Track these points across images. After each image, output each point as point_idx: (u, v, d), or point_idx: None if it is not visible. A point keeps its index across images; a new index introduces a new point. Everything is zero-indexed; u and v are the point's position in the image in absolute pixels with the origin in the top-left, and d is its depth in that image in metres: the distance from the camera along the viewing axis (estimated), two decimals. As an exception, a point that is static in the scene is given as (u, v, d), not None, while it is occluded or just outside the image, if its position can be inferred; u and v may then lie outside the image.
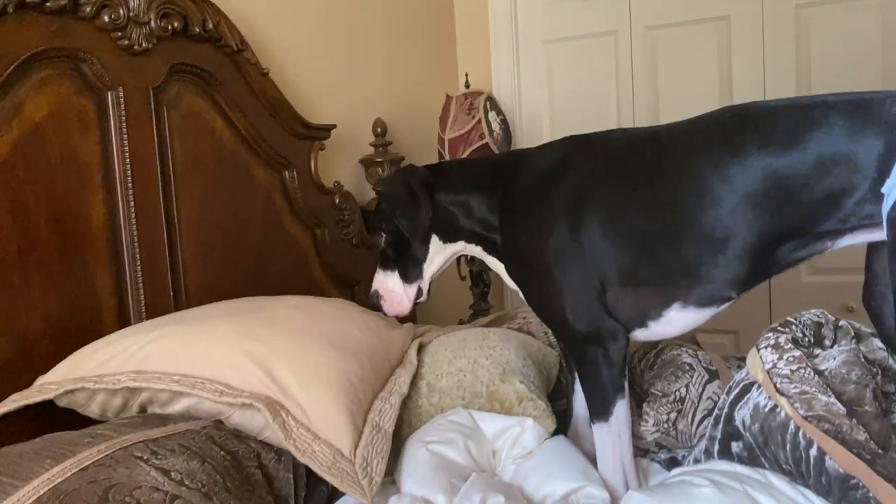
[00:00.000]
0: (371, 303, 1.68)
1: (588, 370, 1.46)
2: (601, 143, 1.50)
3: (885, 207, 1.20)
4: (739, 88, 2.80)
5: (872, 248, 1.38)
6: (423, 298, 1.68)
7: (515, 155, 1.72)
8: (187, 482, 1.08)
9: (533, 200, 1.51)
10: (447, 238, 1.64)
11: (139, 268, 1.71)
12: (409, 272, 1.65)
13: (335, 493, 1.37)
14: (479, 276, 2.83)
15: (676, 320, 1.44)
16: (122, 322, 1.67)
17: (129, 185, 1.70)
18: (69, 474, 1.00)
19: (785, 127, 1.28)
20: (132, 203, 1.70)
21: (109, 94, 1.66)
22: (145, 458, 1.09)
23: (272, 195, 2.12)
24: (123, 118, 1.69)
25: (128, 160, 1.69)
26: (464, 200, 1.60)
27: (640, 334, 1.48)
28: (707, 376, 1.61)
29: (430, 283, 1.69)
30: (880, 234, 1.26)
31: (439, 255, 1.66)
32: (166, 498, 1.02)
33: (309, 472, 1.33)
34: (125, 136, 1.69)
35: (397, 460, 1.47)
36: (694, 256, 1.35)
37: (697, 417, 1.56)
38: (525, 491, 1.39)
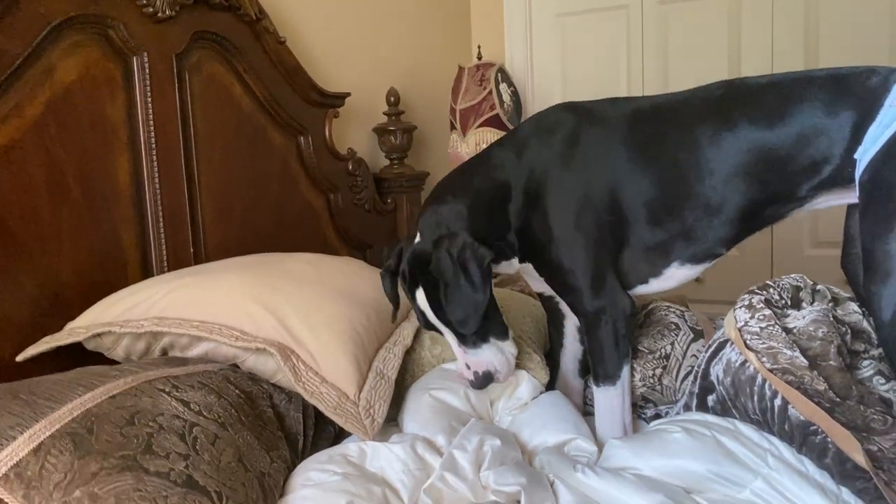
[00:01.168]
0: (481, 386, 1.51)
1: (600, 338, 1.54)
2: (607, 112, 1.56)
3: (858, 172, 1.31)
4: (748, 61, 2.85)
5: (849, 212, 1.48)
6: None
7: (513, 145, 1.59)
8: (205, 413, 1.19)
9: (549, 177, 1.52)
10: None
11: (162, 224, 1.82)
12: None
13: (342, 433, 1.47)
14: (487, 243, 2.91)
15: (675, 276, 1.55)
16: (146, 274, 1.78)
17: (153, 146, 1.80)
18: (99, 400, 1.12)
19: (771, 102, 1.40)
20: (156, 163, 1.81)
21: (135, 59, 1.76)
22: (167, 390, 1.20)
23: (288, 159, 2.21)
24: (148, 83, 1.78)
25: (152, 123, 1.79)
26: (491, 230, 1.51)
27: (640, 289, 1.58)
28: (692, 335, 1.70)
29: None
30: (853, 197, 1.37)
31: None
32: (186, 425, 1.13)
33: (317, 413, 1.44)
34: (149, 99, 1.79)
35: (400, 407, 1.57)
36: (693, 221, 1.47)
37: (681, 374, 1.65)
38: (520, 439, 1.49)
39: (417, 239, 1.50)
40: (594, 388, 1.58)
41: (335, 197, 2.35)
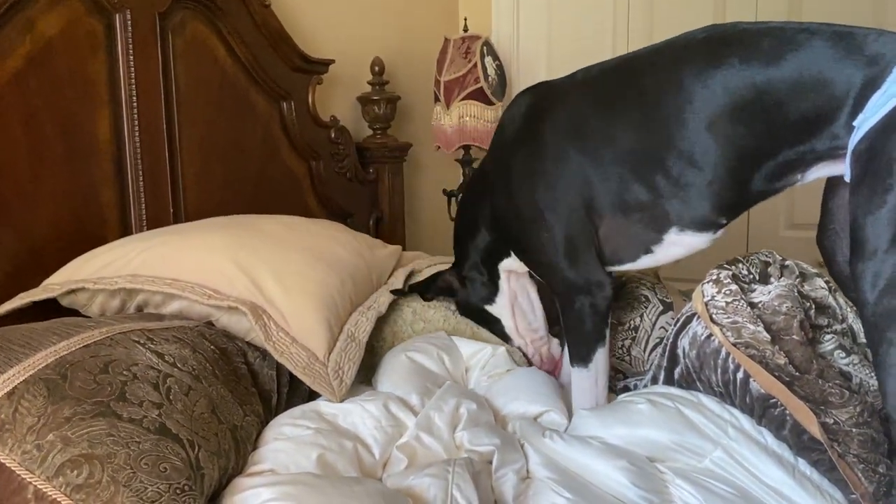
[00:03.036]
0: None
1: (573, 318, 1.53)
2: (567, 81, 1.55)
3: (853, 140, 1.24)
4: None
5: (829, 186, 1.44)
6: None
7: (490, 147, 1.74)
8: (179, 365, 1.21)
9: (511, 158, 1.55)
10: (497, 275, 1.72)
11: (142, 183, 1.82)
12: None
13: (316, 391, 1.50)
14: (468, 217, 2.93)
15: (679, 241, 1.47)
16: (124, 232, 1.79)
17: (134, 104, 1.80)
18: (74, 348, 1.13)
19: (768, 45, 1.29)
20: (136, 122, 1.81)
21: (117, 16, 1.76)
22: (142, 342, 1.22)
23: (270, 125, 2.22)
24: (130, 40, 1.78)
25: (133, 81, 1.79)
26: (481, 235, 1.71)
27: (646, 260, 1.53)
28: (661, 307, 1.74)
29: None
30: (841, 168, 1.30)
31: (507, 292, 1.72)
32: (160, 375, 1.15)
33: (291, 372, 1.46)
34: (131, 57, 1.79)
35: (374, 371, 1.60)
36: (678, 175, 1.38)
37: (650, 345, 1.69)
38: (493, 405, 1.53)
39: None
40: (570, 365, 1.59)
41: (317, 164, 2.36)
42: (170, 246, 1.53)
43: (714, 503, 1.24)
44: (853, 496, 1.26)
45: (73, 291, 1.49)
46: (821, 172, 1.36)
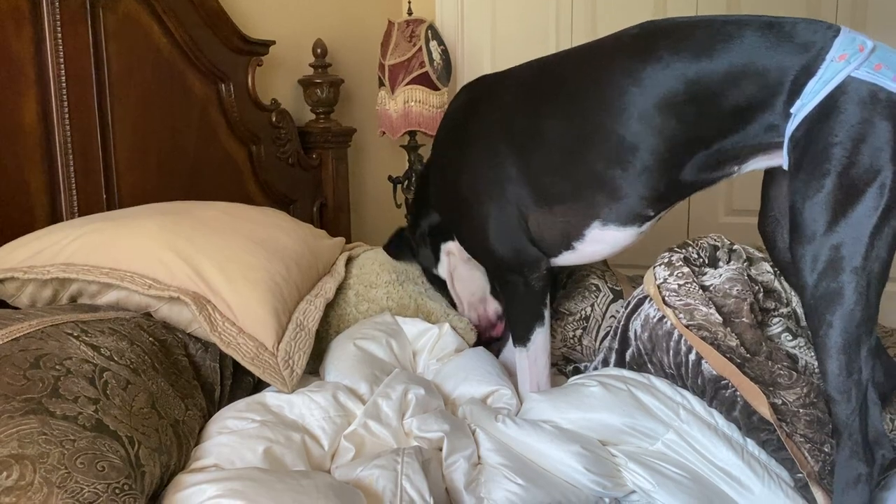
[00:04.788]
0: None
1: (510, 298, 1.54)
2: (505, 76, 1.56)
3: (790, 127, 1.25)
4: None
5: (767, 174, 1.46)
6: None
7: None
8: (116, 358, 1.15)
9: (448, 151, 1.61)
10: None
11: (72, 168, 1.73)
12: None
13: (261, 383, 1.45)
14: (414, 204, 2.91)
15: (601, 238, 1.46)
16: (54, 220, 1.70)
17: (63, 85, 1.70)
18: (1, 342, 1.06)
19: (698, 37, 1.30)
20: (66, 103, 1.72)
21: (44, -10, 1.66)
22: (76, 334, 1.15)
23: (208, 108, 2.13)
24: (58, 17, 1.68)
25: (62, 60, 1.70)
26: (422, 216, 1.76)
27: (568, 257, 1.52)
28: (611, 296, 1.75)
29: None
30: (779, 159, 1.32)
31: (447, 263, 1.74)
32: (95, 370, 1.09)
33: (235, 363, 1.41)
34: (59, 35, 1.69)
35: (323, 359, 1.56)
36: (604, 168, 1.37)
37: (601, 334, 1.70)
38: (443, 390, 1.51)
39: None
40: (516, 348, 1.59)
41: (257, 149, 2.29)
42: (105, 233, 1.45)
43: (666, 486, 1.26)
44: (799, 475, 1.29)
45: (1, 281, 1.40)
46: (758, 164, 1.37)
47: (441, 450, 1.28)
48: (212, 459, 1.20)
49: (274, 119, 2.34)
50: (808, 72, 1.22)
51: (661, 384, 1.42)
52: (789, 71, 1.24)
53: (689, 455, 1.31)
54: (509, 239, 1.51)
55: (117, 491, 0.95)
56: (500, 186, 1.48)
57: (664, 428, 1.35)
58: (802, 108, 1.23)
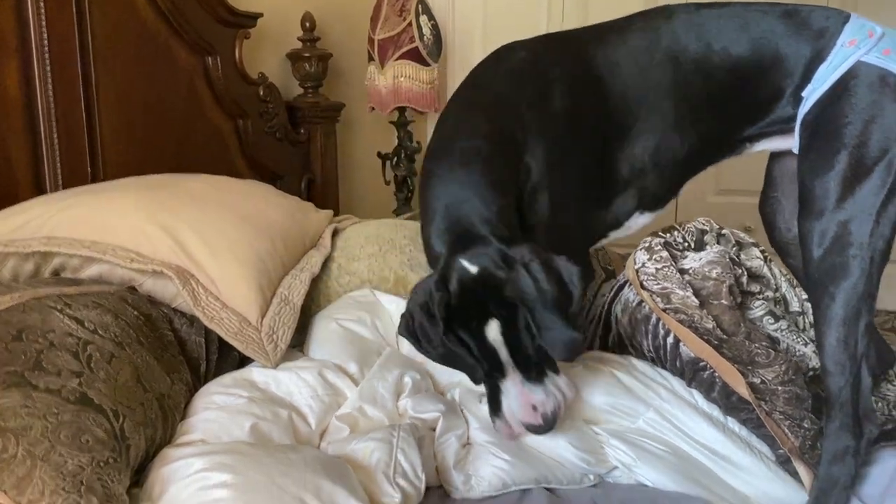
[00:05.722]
0: (550, 428, 1.24)
1: None
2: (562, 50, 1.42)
3: (802, 110, 1.31)
4: None
5: (773, 155, 1.49)
6: None
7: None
8: (101, 332, 1.14)
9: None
10: None
11: (56, 140, 1.71)
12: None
13: (246, 358, 1.45)
14: (403, 181, 2.89)
15: (634, 225, 1.48)
16: (38, 192, 1.69)
17: (46, 54, 1.68)
18: (-17, 316, 1.05)
19: (725, 26, 1.33)
20: (49, 74, 1.69)
21: (26, -44, 1.62)
22: (59, 308, 1.14)
23: (194, 80, 2.11)
24: (41, -15, 1.65)
25: (45, 29, 1.67)
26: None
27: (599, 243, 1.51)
28: (603, 275, 1.75)
29: None
30: (789, 142, 1.37)
31: None
32: (79, 343, 1.09)
33: (221, 338, 1.41)
34: (42, 3, 1.66)
35: (306, 335, 1.56)
36: (650, 156, 1.38)
37: (593, 314, 1.69)
38: (434, 378, 1.49)
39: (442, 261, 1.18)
40: None
41: (244, 123, 2.26)
42: (88, 206, 1.44)
43: (647, 460, 1.27)
44: (780, 451, 1.30)
45: (-20, 254, 1.39)
46: (768, 146, 1.42)
47: (434, 429, 1.30)
48: (198, 434, 1.20)
49: (261, 93, 2.32)
50: (819, 57, 1.29)
51: (642, 365, 1.44)
52: (804, 57, 1.30)
53: (670, 432, 1.33)
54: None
55: (102, 464, 0.95)
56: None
57: (645, 406, 1.36)
58: (814, 92, 1.29)
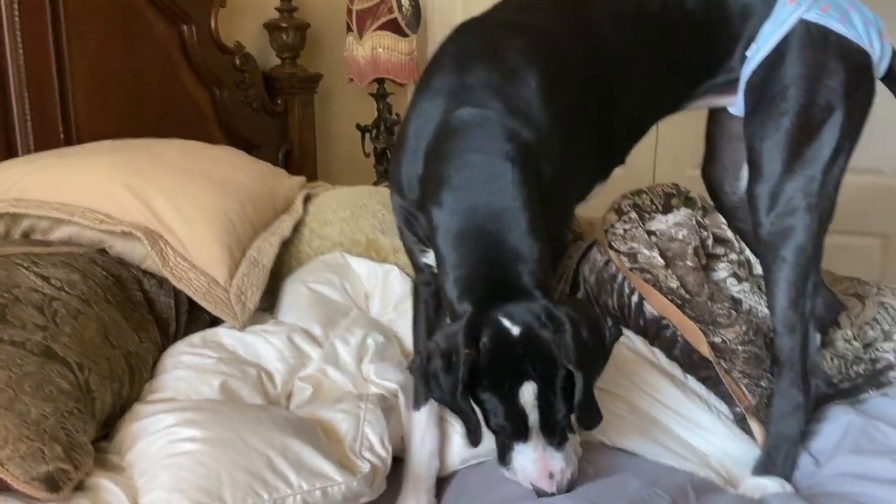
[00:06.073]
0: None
1: None
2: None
3: (746, 70, 1.28)
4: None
5: (711, 118, 1.47)
6: None
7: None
8: (67, 289, 1.16)
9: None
10: None
11: (27, 106, 1.71)
12: None
13: (217, 320, 1.46)
14: (382, 153, 2.89)
15: (593, 195, 1.36)
16: (10, 157, 1.68)
17: (16, 20, 1.67)
18: (-52, 271, 1.07)
19: None
20: (19, 40, 1.69)
21: (-6, -82, 1.62)
22: (25, 265, 1.16)
23: (170, 49, 2.10)
24: (9, -52, 1.65)
25: (15, -4, 1.66)
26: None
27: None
28: (570, 237, 1.76)
29: None
30: (730, 100, 1.34)
31: None
32: (45, 298, 1.10)
33: (191, 300, 1.42)
34: (11, -32, 1.65)
35: (277, 299, 1.57)
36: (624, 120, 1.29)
37: (561, 273, 1.71)
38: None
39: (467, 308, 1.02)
40: None
41: (221, 93, 2.26)
42: (57, 169, 1.45)
43: (609, 420, 1.29)
44: (737, 409, 1.34)
45: (-49, 217, 1.40)
46: (707, 103, 1.39)
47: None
48: (169, 392, 1.22)
49: (237, 62, 2.31)
50: (763, 15, 1.25)
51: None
52: (750, 15, 1.26)
53: (631, 391, 1.34)
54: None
55: (66, 414, 0.97)
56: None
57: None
58: (759, 51, 1.26)
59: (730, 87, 1.33)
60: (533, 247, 1.01)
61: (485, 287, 1.02)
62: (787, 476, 1.24)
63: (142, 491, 0.99)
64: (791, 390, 1.26)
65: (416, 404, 1.22)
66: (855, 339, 1.53)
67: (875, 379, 1.45)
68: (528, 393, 1.00)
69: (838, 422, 1.32)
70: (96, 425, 1.04)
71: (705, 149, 1.52)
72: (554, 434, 1.06)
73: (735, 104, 1.34)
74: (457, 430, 1.23)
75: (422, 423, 1.22)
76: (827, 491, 1.18)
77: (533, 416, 1.02)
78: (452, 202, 1.03)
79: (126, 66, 1.96)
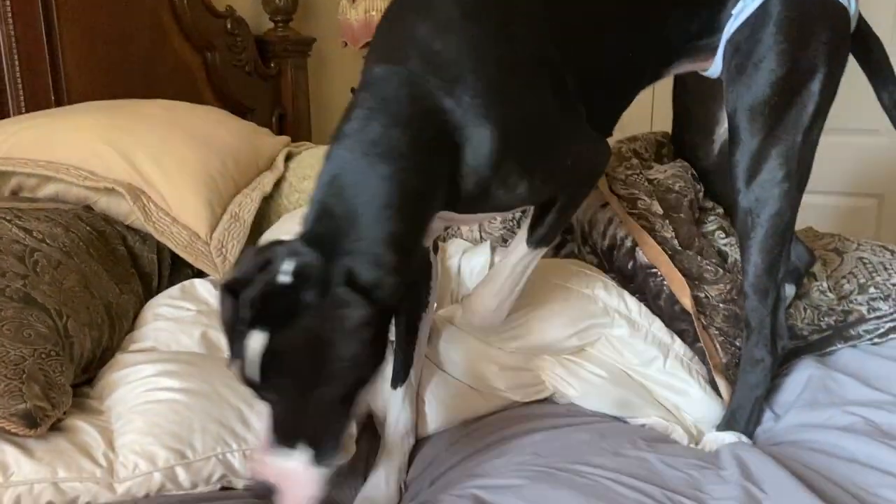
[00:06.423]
0: (257, 495, 0.94)
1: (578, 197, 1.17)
2: None
3: (729, 29, 1.22)
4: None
5: (679, 83, 1.45)
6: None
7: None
8: (49, 241, 1.20)
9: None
10: None
11: (18, 70, 1.74)
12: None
13: (200, 275, 1.49)
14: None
15: None
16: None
17: (5, -15, 1.70)
18: (-69, 224, 1.11)
19: None
20: (9, 3, 1.72)
21: None
22: (8, 218, 1.20)
23: (159, 12, 2.13)
24: None
25: (2, -41, 1.69)
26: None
27: None
28: None
29: None
30: (705, 64, 1.29)
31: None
32: (26, 249, 1.15)
33: (175, 256, 1.47)
34: (-3, -71, 1.68)
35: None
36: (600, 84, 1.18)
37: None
38: None
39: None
40: (524, 246, 1.15)
41: (212, 56, 2.29)
42: (43, 128, 1.49)
43: (587, 390, 1.29)
44: (708, 366, 1.35)
45: (-59, 176, 1.44)
46: (684, 68, 1.32)
47: None
48: (149, 343, 1.26)
49: (229, 26, 2.34)
50: None
51: (607, 291, 1.39)
52: None
53: (615, 358, 1.34)
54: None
55: (44, 356, 1.02)
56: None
57: (597, 334, 1.34)
58: (744, 10, 1.21)
59: (708, 49, 1.27)
60: (377, 222, 0.87)
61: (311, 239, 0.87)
62: (750, 434, 1.25)
63: (117, 433, 1.03)
64: (757, 349, 1.26)
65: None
66: (830, 290, 1.54)
67: (845, 331, 1.46)
68: (255, 343, 0.82)
69: (800, 376, 1.33)
70: (75, 368, 1.09)
71: (674, 114, 1.51)
72: (285, 431, 0.86)
73: (711, 67, 1.29)
74: (430, 400, 1.24)
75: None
76: (780, 440, 1.20)
77: (252, 372, 0.83)
78: (330, 159, 0.91)
79: (115, 30, 1.99)
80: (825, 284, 1.55)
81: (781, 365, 1.36)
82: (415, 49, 0.94)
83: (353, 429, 1.18)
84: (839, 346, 1.43)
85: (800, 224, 1.65)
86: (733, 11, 1.22)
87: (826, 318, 1.48)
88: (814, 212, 2.46)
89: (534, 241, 1.14)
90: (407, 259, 0.91)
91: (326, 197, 0.89)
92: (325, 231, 0.87)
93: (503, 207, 1.12)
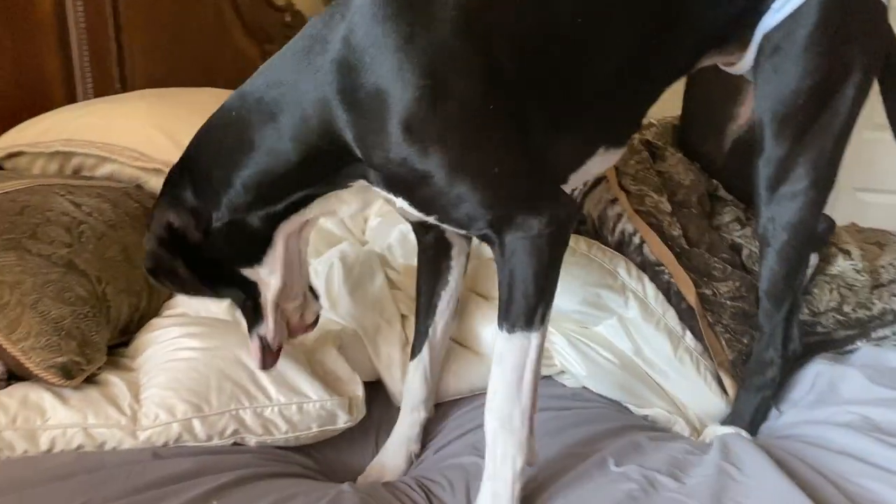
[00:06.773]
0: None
1: (529, 263, 0.96)
2: None
3: (768, 24, 1.14)
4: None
5: (693, 81, 1.43)
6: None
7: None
8: (95, 215, 1.32)
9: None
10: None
11: (86, 58, 1.89)
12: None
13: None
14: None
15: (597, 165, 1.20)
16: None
17: (76, -21, 1.85)
18: (-4, 195, 1.25)
19: None
20: (79, -8, 1.86)
21: None
22: (62, 193, 1.33)
23: (221, 5, 2.25)
24: None
25: (74, -47, 1.83)
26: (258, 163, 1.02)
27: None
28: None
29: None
30: (732, 58, 1.22)
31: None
32: (73, 221, 1.27)
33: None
34: (69, -74, 1.82)
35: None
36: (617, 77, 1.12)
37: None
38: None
39: None
40: (502, 336, 0.97)
41: (271, 48, 2.39)
42: (102, 114, 1.63)
43: (594, 372, 1.32)
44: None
45: (13, 155, 1.60)
46: (712, 60, 1.25)
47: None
48: (181, 309, 1.38)
49: (288, 19, 2.44)
50: None
51: (622, 270, 1.40)
52: None
53: (625, 343, 1.35)
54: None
55: (81, 316, 1.13)
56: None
57: (609, 314, 1.37)
58: (787, 4, 1.12)
59: (741, 43, 1.19)
60: (239, 156, 1.05)
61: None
62: (753, 432, 1.24)
63: (142, 388, 1.14)
64: (768, 353, 1.26)
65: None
66: (865, 272, 1.49)
67: (873, 330, 1.42)
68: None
69: (810, 374, 1.33)
70: (112, 330, 1.21)
71: (683, 110, 1.50)
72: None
73: (739, 63, 1.22)
74: (451, 369, 1.31)
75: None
76: (779, 435, 1.21)
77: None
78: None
79: (177, 22, 2.12)
80: (860, 265, 1.50)
81: (798, 360, 1.35)
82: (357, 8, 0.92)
83: (360, 391, 1.24)
84: (861, 344, 1.42)
85: (861, 222, 1.58)
86: (774, 5, 1.14)
87: (857, 311, 1.43)
88: (877, 211, 2.38)
89: (509, 321, 0.96)
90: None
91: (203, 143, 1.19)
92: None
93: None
